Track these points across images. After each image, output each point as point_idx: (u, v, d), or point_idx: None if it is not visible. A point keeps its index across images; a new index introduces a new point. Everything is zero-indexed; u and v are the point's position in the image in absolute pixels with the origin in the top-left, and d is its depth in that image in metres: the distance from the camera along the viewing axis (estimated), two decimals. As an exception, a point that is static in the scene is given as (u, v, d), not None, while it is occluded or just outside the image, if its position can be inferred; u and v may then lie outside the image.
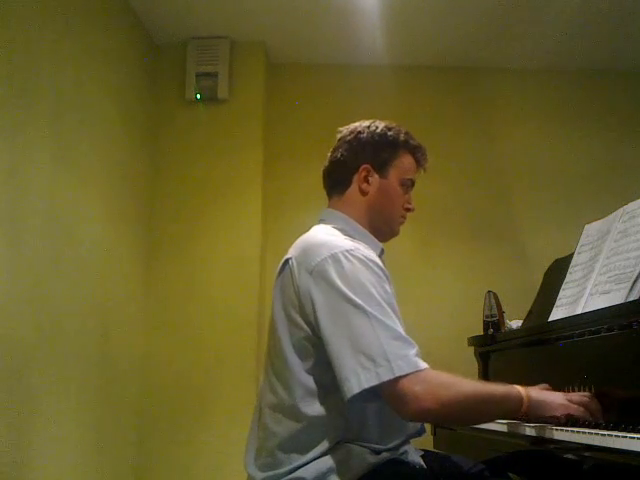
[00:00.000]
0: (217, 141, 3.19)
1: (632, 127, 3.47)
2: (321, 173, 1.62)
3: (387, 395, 1.25)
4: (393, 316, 1.29)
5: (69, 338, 2.25)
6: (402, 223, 1.58)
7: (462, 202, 3.35)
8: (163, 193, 3.14)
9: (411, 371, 1.22)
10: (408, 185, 1.55)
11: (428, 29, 3.18)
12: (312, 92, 3.45)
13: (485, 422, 1.61)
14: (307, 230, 1.55)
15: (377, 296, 1.29)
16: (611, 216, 1.81)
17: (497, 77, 3.52)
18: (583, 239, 1.92)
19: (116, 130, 2.75)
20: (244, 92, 3.23)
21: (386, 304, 1.30)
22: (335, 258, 1.32)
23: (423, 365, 1.25)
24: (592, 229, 1.90)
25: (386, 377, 1.21)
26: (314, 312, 1.31)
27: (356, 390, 1.22)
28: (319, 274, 1.32)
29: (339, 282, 1.29)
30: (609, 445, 1.19)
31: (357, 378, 1.22)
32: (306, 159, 3.30)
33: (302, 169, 3.30)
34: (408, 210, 1.56)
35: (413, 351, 1.26)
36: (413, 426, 1.47)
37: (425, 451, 1.53)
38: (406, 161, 1.54)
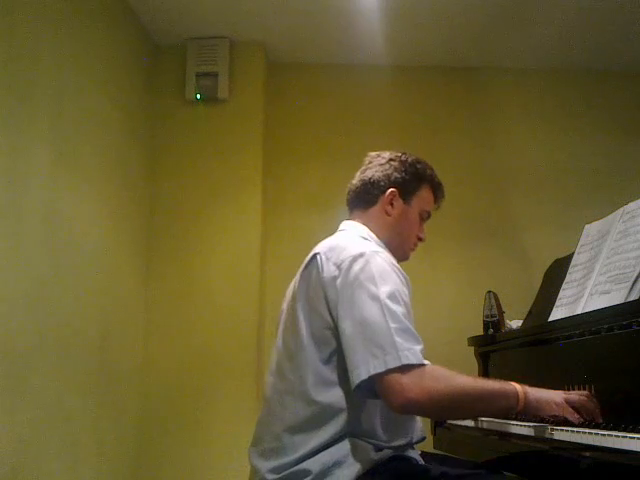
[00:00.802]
0: (217, 141, 3.19)
1: (632, 127, 3.47)
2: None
3: (382, 385, 1.28)
4: (407, 314, 1.35)
5: (69, 340, 2.25)
6: (413, 250, 1.69)
7: (462, 202, 3.35)
8: (163, 193, 3.14)
9: (416, 362, 1.27)
10: (424, 217, 1.67)
11: (428, 29, 3.17)
12: (312, 92, 3.45)
13: (479, 417, 1.66)
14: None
15: (396, 293, 1.35)
16: (611, 216, 1.81)
17: (497, 77, 3.52)
18: (583, 239, 1.92)
19: (116, 130, 2.75)
20: (244, 92, 3.23)
21: (402, 302, 1.35)
22: (363, 255, 1.40)
23: (426, 362, 1.30)
24: (592, 229, 1.90)
25: (392, 364, 1.26)
26: (337, 302, 1.37)
27: (364, 376, 1.27)
28: (346, 267, 1.39)
29: (362, 276, 1.36)
30: (609, 445, 1.19)
31: (366, 365, 1.27)
32: (306, 159, 3.30)
33: (302, 169, 3.30)
34: (420, 240, 1.69)
35: (419, 347, 1.31)
36: (421, 431, 1.51)
37: (423, 452, 1.53)
38: (427, 195, 1.66)
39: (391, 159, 1.64)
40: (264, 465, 1.38)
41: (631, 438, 1.14)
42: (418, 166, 1.64)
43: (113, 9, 2.78)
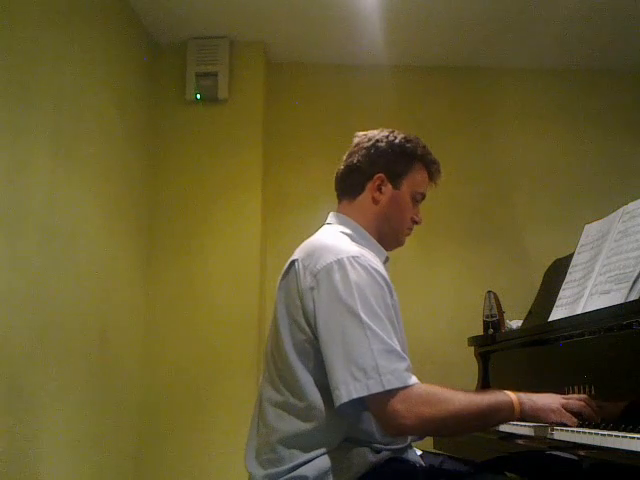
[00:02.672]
0: (217, 141, 3.19)
1: (632, 127, 3.47)
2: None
3: (372, 408, 1.27)
4: (390, 329, 1.29)
5: (69, 339, 2.25)
6: (408, 235, 1.59)
7: (462, 202, 3.35)
8: (163, 193, 3.14)
9: (400, 386, 1.22)
10: (418, 199, 1.57)
11: (428, 29, 3.18)
12: (312, 92, 3.45)
13: (474, 432, 1.63)
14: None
15: (376, 307, 1.29)
16: (611, 216, 1.81)
17: (497, 77, 3.52)
18: (583, 239, 1.92)
19: (116, 130, 2.75)
20: (244, 92, 3.23)
21: (384, 316, 1.30)
22: (340, 264, 1.32)
23: (412, 381, 1.25)
24: (592, 229, 1.90)
25: (375, 389, 1.22)
26: (314, 316, 1.32)
27: (345, 399, 1.23)
28: (323, 278, 1.32)
29: (341, 289, 1.30)
30: (609, 445, 1.19)
31: (347, 388, 1.23)
32: (306, 159, 3.31)
33: (302, 169, 3.30)
34: (415, 223, 1.58)
35: (404, 366, 1.26)
36: None
37: (424, 452, 1.53)
38: (420, 175, 1.56)
39: (377, 140, 1.54)
40: (260, 472, 1.35)
41: (631, 438, 1.14)
42: (407, 145, 1.54)
43: (113, 9, 2.78)
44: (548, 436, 1.39)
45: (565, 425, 1.35)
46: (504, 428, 1.61)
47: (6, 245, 1.88)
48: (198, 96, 3.19)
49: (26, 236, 1.99)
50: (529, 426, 1.47)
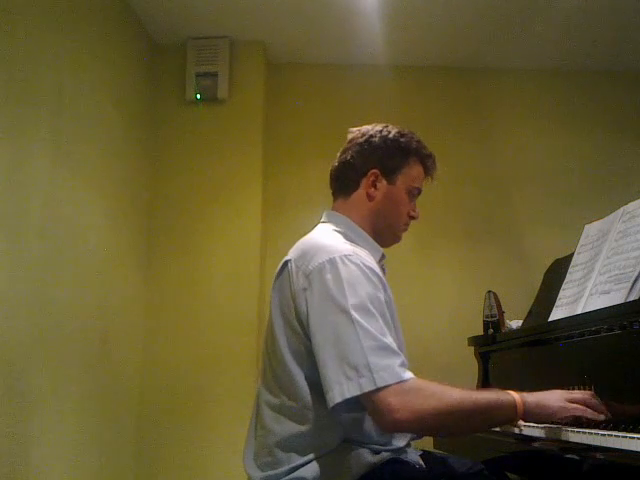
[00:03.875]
0: (217, 141, 3.19)
1: (632, 127, 3.47)
2: (328, 173, 1.60)
3: (367, 406, 1.26)
4: (382, 326, 1.27)
5: (69, 339, 2.25)
6: (405, 230, 1.58)
7: (462, 202, 3.35)
8: (163, 193, 3.14)
9: (393, 382, 1.21)
10: (415, 193, 1.55)
11: (428, 29, 3.18)
12: (312, 92, 3.45)
13: (477, 431, 1.59)
14: (307, 230, 1.55)
15: (368, 304, 1.28)
16: (611, 216, 1.81)
17: (497, 77, 3.52)
18: (583, 239, 1.92)
19: (116, 130, 2.75)
20: (244, 92, 3.23)
21: (377, 313, 1.28)
22: (332, 262, 1.31)
23: (407, 376, 1.23)
24: (592, 229, 1.90)
25: (367, 388, 1.21)
26: (307, 317, 1.31)
27: (338, 399, 1.22)
28: (315, 278, 1.32)
29: (333, 287, 1.29)
30: (609, 445, 1.19)
31: (340, 387, 1.22)
32: (306, 159, 3.31)
33: (302, 169, 3.31)
34: (412, 218, 1.56)
35: (398, 361, 1.24)
36: None
37: (424, 451, 1.52)
38: (415, 169, 1.53)
39: (371, 135, 1.52)
40: (258, 474, 1.35)
41: (631, 438, 1.15)
42: (401, 140, 1.51)
43: (113, 9, 2.78)
44: (548, 436, 1.39)
45: (574, 419, 1.34)
46: (505, 428, 1.61)
47: (6, 245, 1.88)
48: (198, 96, 3.19)
49: (26, 236, 1.99)
50: (530, 426, 1.47)
